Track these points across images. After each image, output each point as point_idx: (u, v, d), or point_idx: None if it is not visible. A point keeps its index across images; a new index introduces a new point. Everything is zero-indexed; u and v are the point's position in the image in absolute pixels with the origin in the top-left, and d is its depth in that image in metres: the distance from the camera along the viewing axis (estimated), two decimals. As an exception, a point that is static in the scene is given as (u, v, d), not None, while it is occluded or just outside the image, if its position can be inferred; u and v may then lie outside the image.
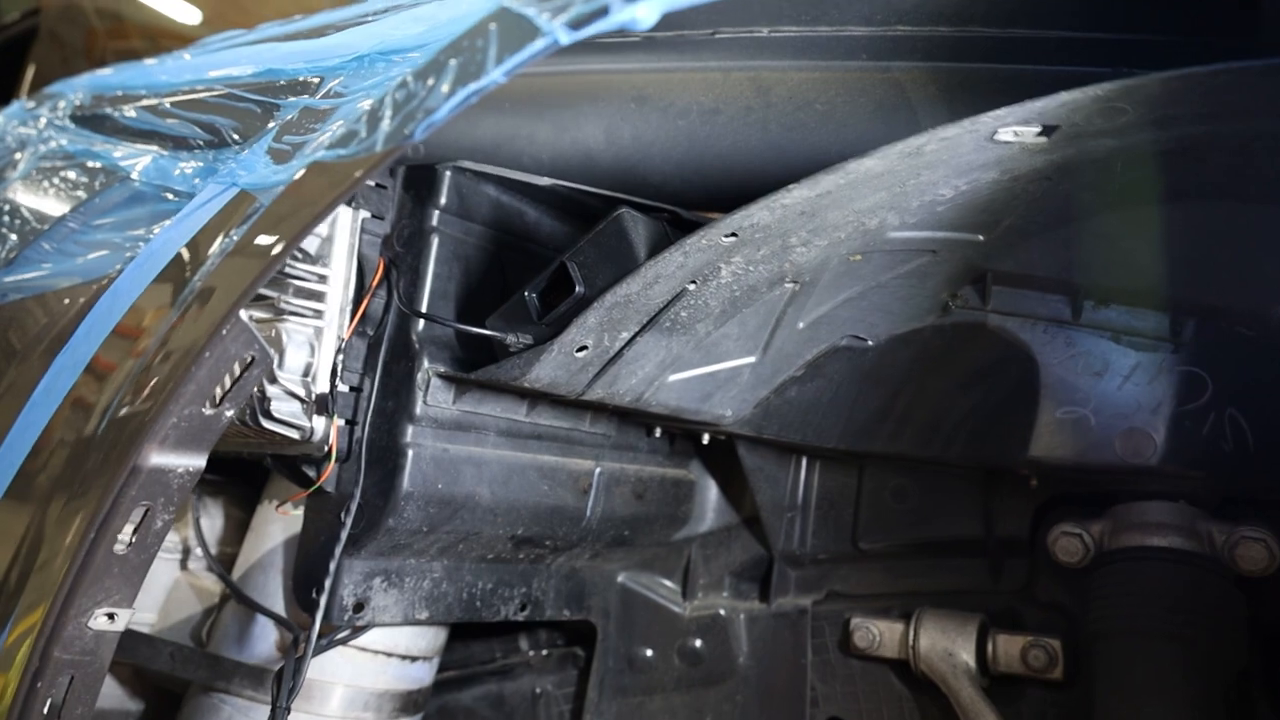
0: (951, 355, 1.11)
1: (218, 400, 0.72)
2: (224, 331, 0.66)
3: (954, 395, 1.12)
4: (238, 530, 1.28)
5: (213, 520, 1.31)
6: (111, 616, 0.77)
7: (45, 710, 0.76)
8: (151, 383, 0.74)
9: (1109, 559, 1.09)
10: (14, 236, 1.28)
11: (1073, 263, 0.97)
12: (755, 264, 0.96)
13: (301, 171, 0.65)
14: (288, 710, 0.95)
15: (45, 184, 1.35)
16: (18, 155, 1.49)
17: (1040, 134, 0.74)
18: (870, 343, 1.13)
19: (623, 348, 1.03)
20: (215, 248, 0.70)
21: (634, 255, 0.95)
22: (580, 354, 1.01)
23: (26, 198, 1.35)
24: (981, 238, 0.96)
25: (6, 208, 1.35)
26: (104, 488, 0.73)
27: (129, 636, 1.20)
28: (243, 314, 0.67)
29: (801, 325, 1.09)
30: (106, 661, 0.79)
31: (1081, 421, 1.02)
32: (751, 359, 1.12)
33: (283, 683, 0.95)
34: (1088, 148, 0.78)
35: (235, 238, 0.68)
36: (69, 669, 0.77)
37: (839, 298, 1.06)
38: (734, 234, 0.89)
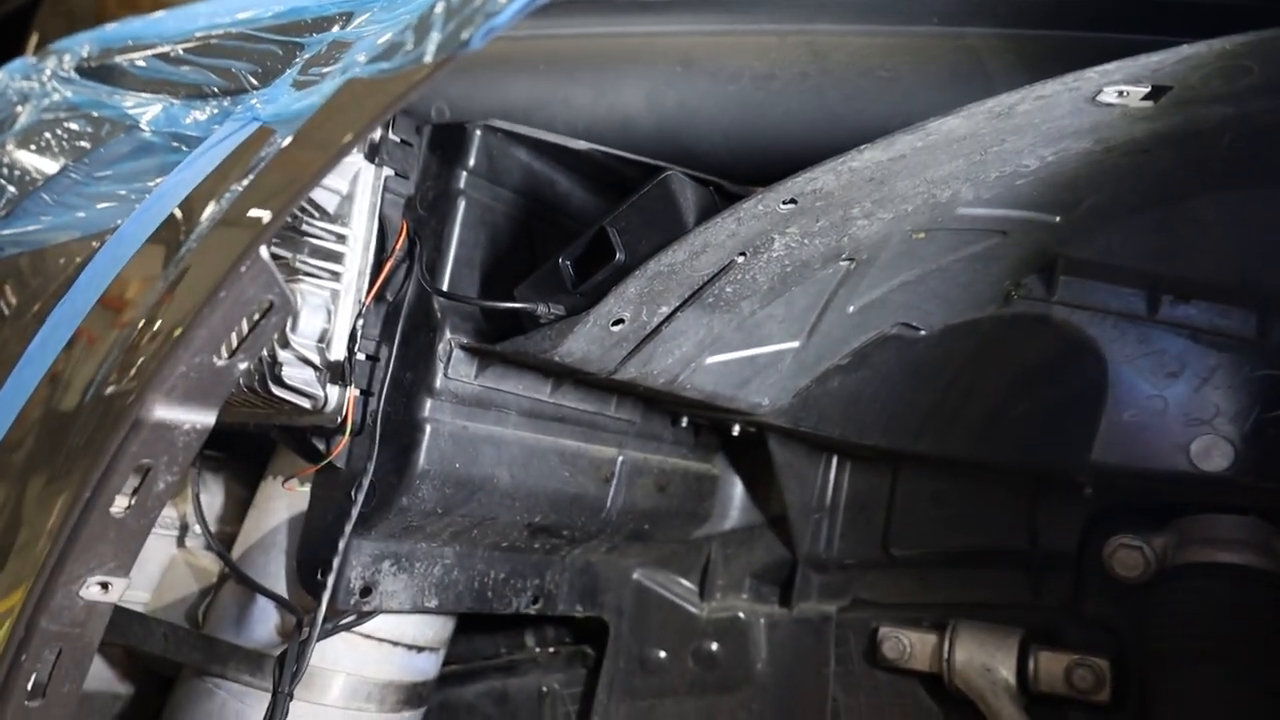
0: (1010, 349, 1.04)
1: (231, 350, 0.65)
2: (242, 270, 0.58)
3: (1010, 393, 1.06)
4: (238, 508, 1.21)
5: (212, 497, 1.23)
6: (105, 586, 0.70)
7: (30, 686, 0.69)
8: (152, 338, 0.66)
9: (1174, 575, 1.02)
10: (12, 189, 1.21)
11: (1155, 251, 0.90)
12: (811, 236, 0.88)
13: (333, 92, 0.58)
14: (290, 696, 0.87)
15: (47, 135, 1.27)
16: (19, 109, 1.41)
17: (1148, 96, 0.67)
18: (923, 332, 1.06)
19: (661, 323, 0.95)
20: (230, 187, 0.63)
21: (681, 221, 0.88)
22: (616, 328, 0.94)
23: (26, 150, 1.27)
24: (1059, 219, 0.89)
25: (5, 160, 1.27)
26: (100, 444, 0.66)
27: (120, 615, 1.12)
28: (264, 252, 0.60)
29: (852, 309, 1.02)
30: (97, 636, 0.72)
31: (1152, 425, 0.95)
32: (795, 344, 1.05)
33: (285, 667, 0.88)
34: (1197, 116, 0.72)
35: (253, 174, 0.61)
36: (56, 641, 0.69)
37: (895, 280, 0.99)
38: (793, 200, 0.82)
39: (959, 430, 1.10)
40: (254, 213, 0.59)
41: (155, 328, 0.65)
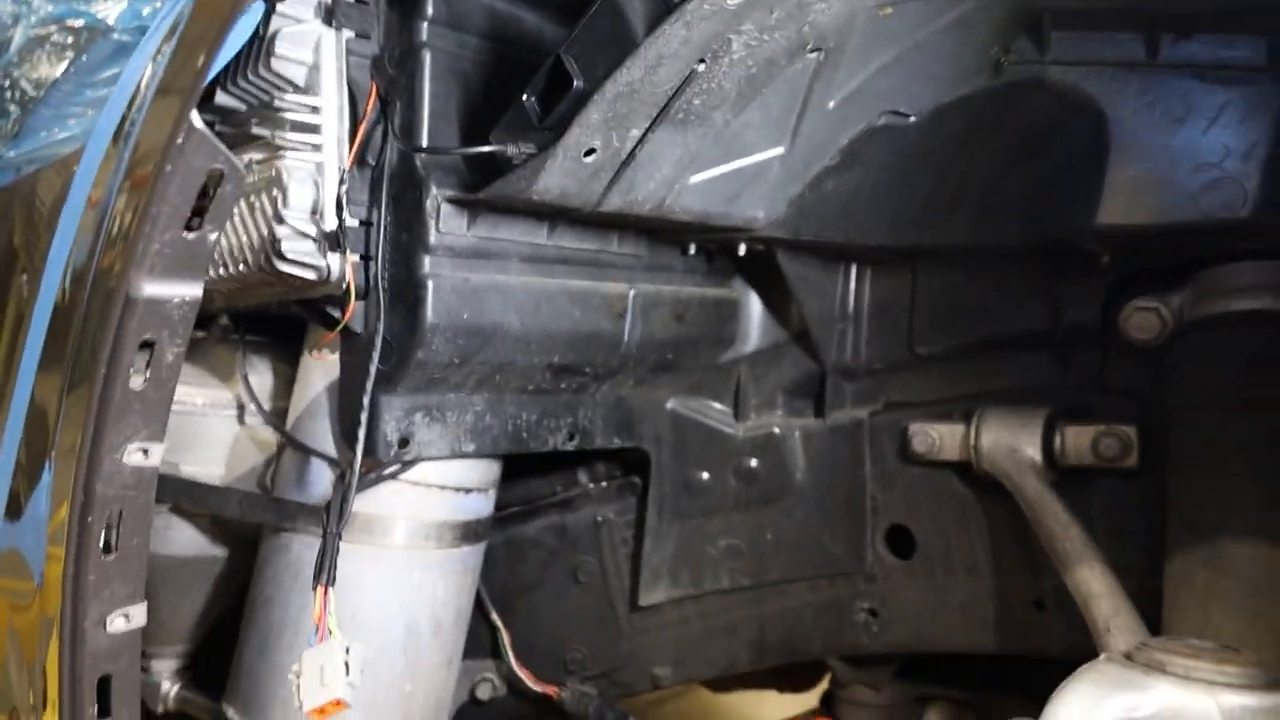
0: (1005, 121, 0.99)
1: (196, 223, 0.69)
2: (179, 141, 0.61)
3: (1009, 168, 1.02)
4: (286, 384, 1.29)
5: (261, 377, 1.32)
6: (145, 452, 0.78)
7: (101, 544, 0.78)
8: (125, 221, 0.70)
9: (1189, 330, 1.00)
10: (16, 109, 1.26)
11: (1146, -14, 0.83)
12: (769, 31, 0.85)
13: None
14: (339, 537, 0.97)
15: (39, 53, 1.31)
16: (12, 32, 1.44)
17: None
18: (912, 118, 1.02)
19: (634, 147, 0.95)
20: (161, 51, 0.64)
21: (632, 36, 0.86)
22: (589, 159, 0.93)
23: (23, 70, 1.31)
24: (1032, -33, 0.83)
25: (7, 83, 1.32)
26: (103, 327, 0.72)
27: (200, 488, 1.25)
28: (197, 121, 0.62)
29: (832, 104, 0.99)
30: (151, 496, 0.81)
31: (1159, 177, 0.91)
32: (779, 150, 1.02)
33: (331, 513, 0.97)
34: None
35: (177, 35, 0.63)
36: (115, 503, 0.78)
37: (871, 66, 0.95)
38: (739, -8, 0.79)
39: (960, 216, 1.07)
40: (182, 76, 0.61)
41: (124, 211, 0.69)
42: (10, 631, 0.94)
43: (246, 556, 1.27)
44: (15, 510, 0.80)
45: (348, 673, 0.86)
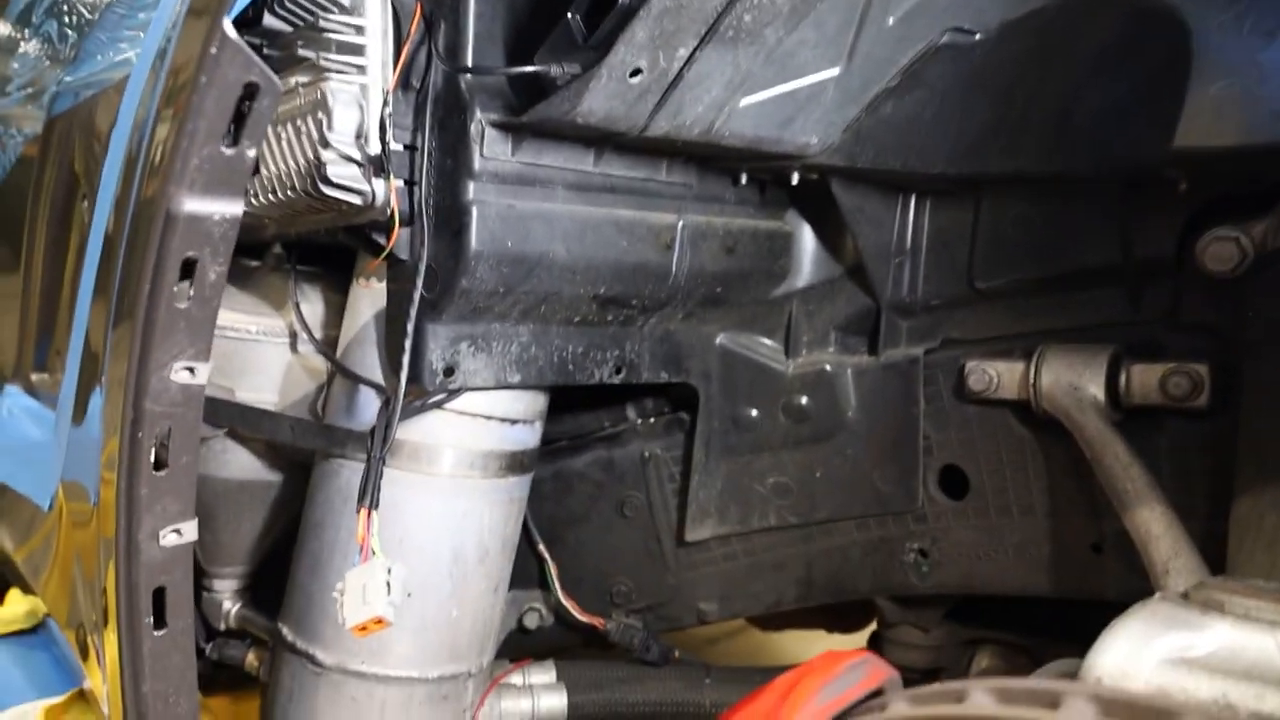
0: (1079, 37, 0.92)
1: (234, 139, 0.68)
2: (213, 51, 0.60)
3: (1081, 89, 0.95)
4: (337, 313, 1.31)
5: (313, 306, 1.34)
6: (191, 370, 0.79)
7: (152, 460, 0.81)
8: (163, 140, 0.70)
9: (1270, 261, 0.93)
10: (72, 34, 1.27)
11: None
12: (825, -64, 0.80)
13: None
14: (383, 461, 0.98)
15: (94, -23, 1.31)
16: (69, -44, 1.45)
17: None
18: (978, 36, 0.96)
19: (682, 67, 0.91)
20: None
21: (680, -55, 0.82)
22: (635, 79, 0.90)
23: (81, -5, 1.32)
24: None
25: (64, 7, 1.33)
26: (145, 246, 0.72)
27: (254, 413, 1.28)
28: (230, 30, 0.61)
29: (892, 21, 0.93)
30: (198, 414, 0.82)
31: (1245, 96, 0.84)
32: (835, 70, 0.98)
33: (375, 438, 0.98)
34: None
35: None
36: (164, 420, 0.80)
37: (935, -23, 0.89)
38: (793, -107, 0.74)
39: (1027, 142, 1.01)
40: (213, -7, 0.60)
41: (163, 131, 0.69)
42: (75, 552, 0.98)
43: (301, 481, 1.31)
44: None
45: (389, 592, 0.88)
